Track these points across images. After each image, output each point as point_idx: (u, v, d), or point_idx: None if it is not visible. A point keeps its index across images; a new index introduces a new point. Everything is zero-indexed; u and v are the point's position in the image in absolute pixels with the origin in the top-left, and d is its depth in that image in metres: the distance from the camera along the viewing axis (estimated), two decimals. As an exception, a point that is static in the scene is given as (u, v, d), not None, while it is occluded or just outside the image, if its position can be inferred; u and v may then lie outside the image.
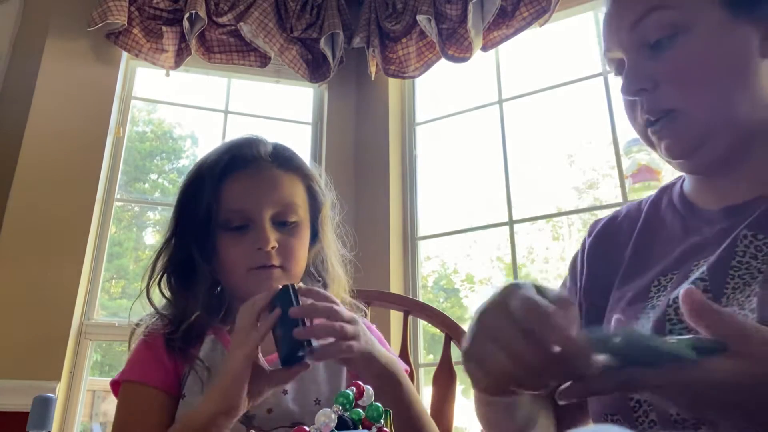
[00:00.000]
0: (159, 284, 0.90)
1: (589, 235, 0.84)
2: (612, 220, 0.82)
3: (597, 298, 0.76)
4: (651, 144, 0.71)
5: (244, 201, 0.86)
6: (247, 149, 0.90)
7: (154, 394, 0.83)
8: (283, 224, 0.88)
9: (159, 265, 0.90)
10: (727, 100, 0.65)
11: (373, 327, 0.96)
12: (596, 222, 0.84)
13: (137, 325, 0.90)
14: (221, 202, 0.86)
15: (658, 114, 0.68)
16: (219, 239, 0.86)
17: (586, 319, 0.76)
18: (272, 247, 0.85)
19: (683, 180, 0.77)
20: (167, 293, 0.90)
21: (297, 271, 0.90)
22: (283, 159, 0.92)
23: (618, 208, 0.85)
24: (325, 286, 0.94)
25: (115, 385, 0.87)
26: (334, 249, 0.97)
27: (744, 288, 0.61)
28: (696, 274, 0.64)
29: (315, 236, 0.94)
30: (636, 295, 0.69)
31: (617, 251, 0.77)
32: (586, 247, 0.82)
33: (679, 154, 0.68)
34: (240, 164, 0.88)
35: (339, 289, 0.95)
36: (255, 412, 0.80)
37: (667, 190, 0.79)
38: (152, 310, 0.90)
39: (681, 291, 0.48)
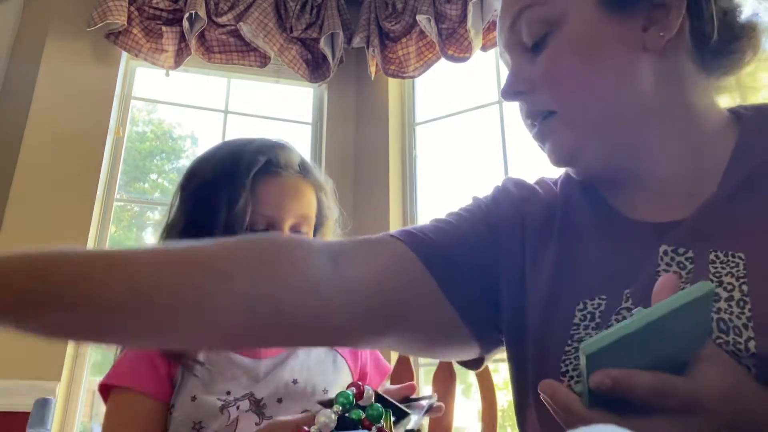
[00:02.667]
0: None
1: (494, 203, 0.70)
2: (528, 191, 0.71)
3: (513, 293, 0.65)
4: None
5: (272, 207, 0.88)
6: (281, 155, 0.91)
7: (146, 402, 0.82)
8: (296, 233, 0.91)
9: None
10: (603, 101, 0.59)
11: None
12: (505, 186, 0.72)
13: None
14: (253, 202, 0.87)
15: (536, 116, 0.63)
16: None
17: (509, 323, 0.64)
18: None
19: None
20: None
21: None
22: (307, 171, 0.95)
23: (523, 180, 0.74)
24: None
25: (104, 388, 0.85)
26: None
27: None
28: (624, 305, 0.56)
29: None
30: (561, 319, 0.58)
31: (536, 242, 0.65)
32: (491, 218, 0.68)
33: (557, 159, 0.63)
34: (272, 169, 0.90)
35: None
36: (266, 401, 0.82)
37: (573, 182, 0.68)
38: None
39: None
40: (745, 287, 0.50)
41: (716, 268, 0.53)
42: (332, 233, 1.00)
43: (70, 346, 1.93)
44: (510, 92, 0.64)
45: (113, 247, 2.23)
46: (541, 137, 0.64)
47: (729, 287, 0.51)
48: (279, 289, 0.56)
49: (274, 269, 0.57)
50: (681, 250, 0.55)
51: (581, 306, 0.57)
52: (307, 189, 0.93)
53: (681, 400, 0.42)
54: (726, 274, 0.52)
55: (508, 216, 0.67)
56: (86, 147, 2.14)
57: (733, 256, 0.52)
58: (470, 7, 2.12)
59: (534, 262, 0.63)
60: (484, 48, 2.21)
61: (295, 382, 0.85)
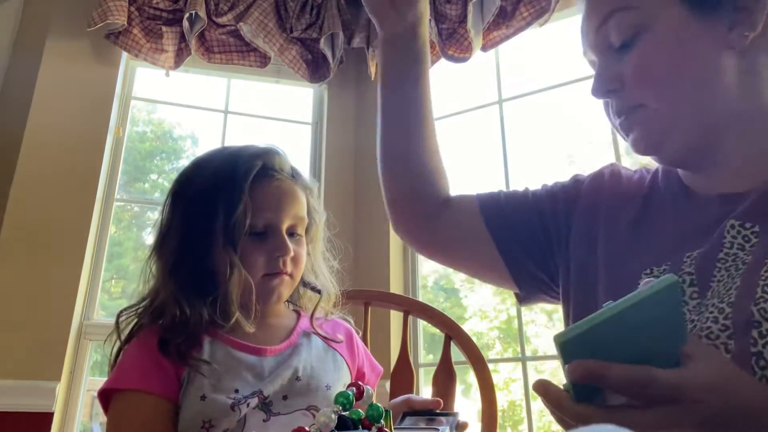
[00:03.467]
0: (164, 280, 0.89)
1: (595, 180, 0.84)
2: (619, 176, 0.83)
3: (583, 252, 0.76)
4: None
5: (270, 209, 0.90)
6: (275, 159, 0.94)
7: (158, 403, 0.80)
8: (291, 235, 0.93)
9: (168, 261, 0.89)
10: (690, 94, 0.66)
11: (358, 338, 1.02)
12: (602, 171, 0.86)
13: (125, 313, 0.89)
14: (251, 206, 0.89)
15: (626, 111, 0.70)
16: (243, 243, 0.88)
17: (577, 276, 0.76)
18: (290, 256, 0.90)
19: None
20: (172, 291, 0.88)
21: (298, 280, 0.96)
22: (297, 174, 0.97)
23: (619, 167, 0.86)
24: (320, 293, 0.99)
25: (106, 394, 0.83)
26: (322, 261, 1.02)
27: (728, 280, 0.60)
28: (685, 269, 0.64)
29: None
30: (626, 283, 0.66)
31: (614, 213, 0.77)
32: (580, 198, 0.83)
33: (643, 148, 0.70)
34: (269, 173, 0.92)
35: (327, 302, 0.99)
36: (272, 399, 0.83)
37: (663, 170, 0.79)
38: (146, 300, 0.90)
39: None
40: None
41: None
42: (321, 234, 1.02)
43: (70, 346, 1.93)
44: (601, 90, 0.70)
45: (113, 247, 2.23)
46: (628, 128, 0.70)
47: None
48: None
49: None
50: (748, 225, 0.62)
51: (648, 271, 0.66)
52: (299, 192, 0.95)
53: (661, 391, 0.43)
54: None
55: (590, 190, 0.82)
56: (86, 147, 2.14)
57: None
58: (470, 7, 2.12)
59: (610, 228, 0.74)
60: (484, 48, 2.21)
61: (298, 379, 0.86)
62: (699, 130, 0.67)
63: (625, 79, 0.68)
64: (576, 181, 0.86)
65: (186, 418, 0.80)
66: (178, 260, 0.89)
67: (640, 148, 0.70)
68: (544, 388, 0.48)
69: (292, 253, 0.90)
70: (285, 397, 0.84)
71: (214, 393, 0.80)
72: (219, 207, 0.87)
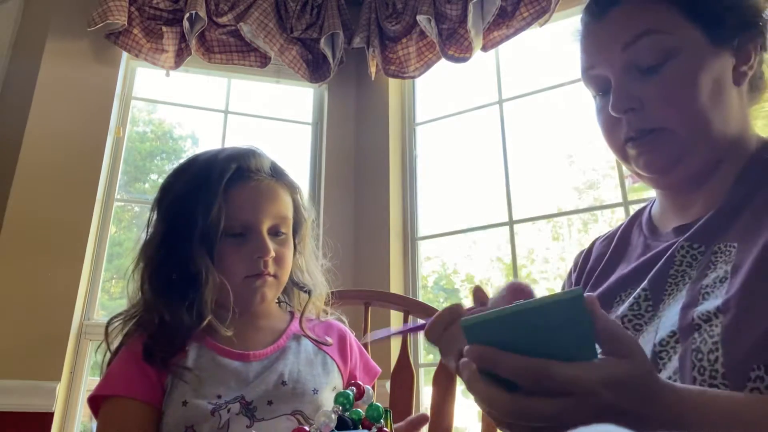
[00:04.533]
0: (145, 287, 0.90)
1: (575, 268, 0.90)
2: (591, 247, 0.91)
3: None
4: (626, 159, 0.76)
5: (247, 210, 0.90)
6: (252, 161, 0.94)
7: (141, 408, 0.82)
8: (276, 235, 0.92)
9: (150, 266, 0.90)
10: (706, 121, 0.70)
11: (353, 338, 1.01)
12: (579, 255, 0.92)
13: (114, 321, 0.90)
14: (226, 210, 0.89)
15: (642, 132, 0.72)
16: (221, 245, 0.89)
17: None
18: (271, 257, 0.89)
19: (653, 204, 0.84)
20: (151, 297, 0.89)
21: (285, 280, 0.96)
22: (279, 174, 0.97)
23: (609, 209, 0.96)
24: (309, 293, 0.99)
25: (95, 401, 0.85)
26: (313, 260, 1.02)
27: (676, 294, 0.67)
28: (641, 286, 0.71)
29: (295, 248, 0.99)
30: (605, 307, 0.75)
31: (592, 271, 0.85)
32: (572, 283, 0.89)
33: (658, 169, 0.73)
34: (245, 175, 0.92)
35: (318, 301, 0.99)
36: (257, 404, 0.82)
37: (639, 213, 0.86)
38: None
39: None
40: (729, 267, 0.62)
41: (716, 256, 0.65)
42: (310, 233, 1.02)
43: (70, 346, 1.93)
44: (622, 108, 0.72)
45: (113, 247, 2.23)
46: (641, 149, 0.73)
47: (719, 269, 0.64)
48: None
49: None
50: (696, 245, 0.69)
51: (617, 299, 0.74)
52: (281, 191, 0.95)
53: (557, 382, 0.45)
54: (722, 261, 0.64)
55: (583, 258, 0.89)
56: (86, 147, 2.14)
57: (730, 246, 0.65)
58: (470, 7, 2.12)
59: (598, 275, 0.82)
60: (484, 48, 2.21)
61: (284, 383, 0.86)
62: (710, 155, 0.71)
63: (646, 101, 0.71)
64: (567, 276, 0.93)
65: (169, 423, 0.81)
66: (159, 266, 0.90)
67: (655, 168, 0.73)
68: (468, 360, 0.50)
69: (272, 254, 0.89)
70: (270, 402, 0.83)
71: (195, 398, 0.81)
72: (196, 212, 0.88)
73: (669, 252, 0.71)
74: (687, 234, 0.71)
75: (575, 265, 0.91)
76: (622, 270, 0.77)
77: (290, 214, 0.95)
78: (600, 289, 0.78)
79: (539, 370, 0.45)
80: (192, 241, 0.87)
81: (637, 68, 0.71)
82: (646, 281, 0.71)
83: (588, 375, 0.45)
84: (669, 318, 0.65)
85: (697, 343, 0.59)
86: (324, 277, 1.02)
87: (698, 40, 0.70)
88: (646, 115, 0.71)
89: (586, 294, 0.47)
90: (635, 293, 0.71)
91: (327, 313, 1.00)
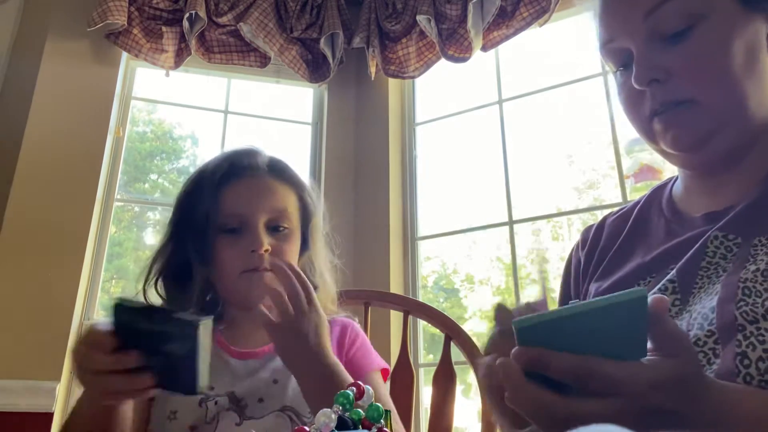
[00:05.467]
0: (155, 286, 0.93)
1: (583, 245, 0.83)
2: (601, 223, 0.83)
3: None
4: (651, 137, 0.69)
5: (240, 205, 0.91)
6: (245, 158, 0.95)
7: None
8: (275, 230, 0.92)
9: (155, 267, 0.93)
10: (740, 94, 0.63)
11: (359, 332, 1.00)
12: (587, 229, 0.84)
13: None
14: (219, 207, 0.91)
15: (670, 105, 0.65)
16: (216, 242, 0.90)
17: None
18: (265, 250, 0.89)
19: (674, 183, 0.77)
20: (163, 295, 0.93)
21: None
22: (277, 169, 0.97)
23: (612, 209, 0.85)
24: (314, 288, 0.98)
25: None
26: (323, 257, 1.01)
27: (709, 287, 0.61)
28: (668, 277, 0.65)
29: (305, 245, 0.98)
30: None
31: (605, 250, 0.78)
32: (581, 260, 0.81)
33: (687, 145, 0.66)
34: (238, 172, 0.93)
35: (327, 298, 0.98)
36: (247, 401, 0.84)
37: (658, 191, 0.79)
38: None
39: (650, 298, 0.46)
40: None
41: (756, 250, 0.60)
42: (320, 229, 1.02)
43: (71, 346, 1.93)
44: (645, 80, 0.65)
45: (113, 247, 2.23)
46: (668, 123, 0.66)
47: (759, 261, 0.58)
48: None
49: None
50: (731, 236, 0.63)
51: (637, 286, 0.67)
52: (278, 186, 0.95)
53: (603, 382, 0.44)
54: (763, 254, 0.59)
55: (594, 234, 0.82)
56: (86, 147, 2.14)
57: None
58: (470, 7, 2.12)
59: (613, 255, 0.75)
60: (484, 48, 2.21)
61: (275, 381, 0.86)
62: (744, 132, 0.65)
63: (674, 71, 0.64)
64: (572, 253, 0.85)
65: (156, 406, 0.84)
66: (166, 264, 0.93)
67: (684, 144, 0.66)
68: (508, 371, 0.47)
69: (266, 247, 0.89)
70: (261, 400, 0.84)
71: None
72: (192, 212, 0.91)
73: (700, 242, 0.64)
74: (720, 223, 0.64)
75: (584, 241, 0.83)
76: (643, 256, 0.71)
77: (291, 208, 0.95)
78: (618, 275, 0.72)
79: (586, 369, 0.44)
80: (188, 241, 0.90)
81: (660, 37, 0.65)
82: (674, 272, 0.64)
83: (636, 376, 0.44)
84: (702, 314, 0.59)
85: (742, 347, 0.54)
86: (334, 277, 1.01)
87: (727, 4, 0.64)
88: (672, 86, 0.64)
89: (650, 295, 0.45)
90: (660, 284, 0.65)
91: (334, 312, 0.99)
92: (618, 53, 0.70)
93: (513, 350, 0.46)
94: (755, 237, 0.61)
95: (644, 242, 0.72)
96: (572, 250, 0.85)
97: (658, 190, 0.79)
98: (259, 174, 0.94)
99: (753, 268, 0.58)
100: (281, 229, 0.93)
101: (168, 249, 0.93)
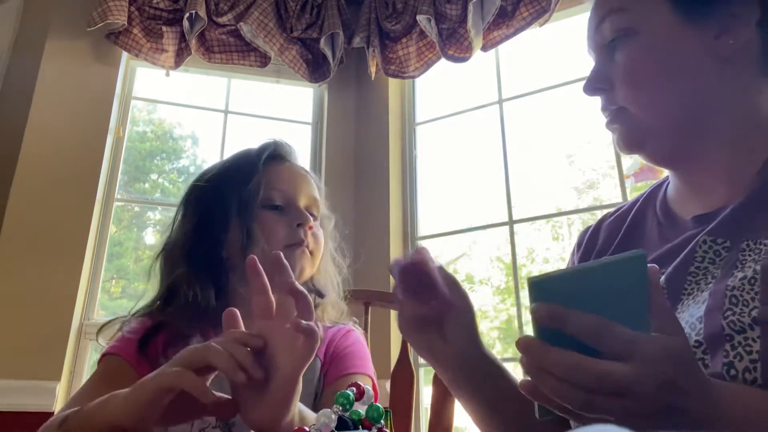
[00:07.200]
0: (178, 265, 0.89)
1: (579, 247, 0.85)
2: (598, 225, 0.84)
3: None
4: None
5: (287, 184, 0.93)
6: (286, 146, 0.99)
7: (128, 368, 0.84)
8: (311, 216, 0.94)
9: (176, 255, 0.90)
10: (671, 101, 0.67)
11: (357, 336, 0.97)
12: (584, 232, 0.86)
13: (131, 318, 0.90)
14: (266, 181, 0.92)
15: (612, 112, 0.72)
16: (260, 217, 0.89)
17: None
18: (310, 226, 0.91)
19: (668, 183, 0.78)
20: (184, 274, 0.88)
21: (317, 262, 0.95)
22: (307, 170, 1.02)
23: (610, 210, 0.87)
24: (320, 294, 0.97)
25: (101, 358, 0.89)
26: (332, 266, 1.01)
27: (697, 294, 0.62)
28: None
29: None
30: None
31: (602, 252, 0.79)
32: (575, 262, 0.83)
33: (624, 147, 0.72)
34: (282, 156, 0.97)
35: (330, 305, 0.97)
36: (235, 418, 0.80)
37: (655, 191, 0.80)
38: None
39: None
40: (758, 267, 0.57)
41: (744, 255, 0.60)
42: (330, 235, 1.02)
43: (70, 346, 1.93)
44: (589, 87, 0.73)
45: (113, 247, 2.23)
46: (612, 128, 0.73)
47: (747, 269, 0.58)
48: None
49: None
50: (719, 240, 0.63)
51: None
52: (312, 179, 0.99)
53: (620, 342, 0.44)
54: (751, 260, 0.59)
55: (590, 236, 0.83)
56: (86, 147, 2.14)
57: (761, 244, 0.60)
58: (470, 7, 2.12)
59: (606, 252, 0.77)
60: (484, 48, 2.21)
61: None
62: (677, 135, 0.68)
63: (614, 81, 0.70)
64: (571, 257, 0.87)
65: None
66: (193, 245, 0.89)
67: (622, 148, 0.73)
68: (527, 342, 0.47)
69: (312, 223, 0.91)
70: None
71: None
72: (233, 185, 0.90)
73: (689, 247, 0.65)
74: (709, 227, 0.65)
75: (579, 243, 0.85)
76: None
77: (320, 202, 0.98)
78: None
79: (603, 328, 0.45)
80: (228, 215, 0.88)
81: (606, 49, 0.71)
82: (663, 278, 0.65)
83: (651, 341, 0.45)
84: (690, 323, 0.59)
85: (729, 357, 0.54)
86: (339, 288, 1.00)
87: (664, 17, 0.67)
88: (613, 95, 0.71)
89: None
90: None
91: (338, 322, 0.97)
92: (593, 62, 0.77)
93: (531, 306, 0.47)
94: (743, 240, 0.61)
95: (639, 246, 0.74)
96: (571, 252, 0.87)
97: (655, 190, 0.80)
98: (298, 163, 0.99)
99: (740, 275, 0.58)
100: (315, 217, 0.95)
101: (198, 228, 0.90)
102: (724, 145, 0.67)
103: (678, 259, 0.65)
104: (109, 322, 0.91)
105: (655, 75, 0.67)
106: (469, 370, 0.70)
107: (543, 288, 0.47)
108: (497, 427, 0.72)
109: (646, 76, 0.67)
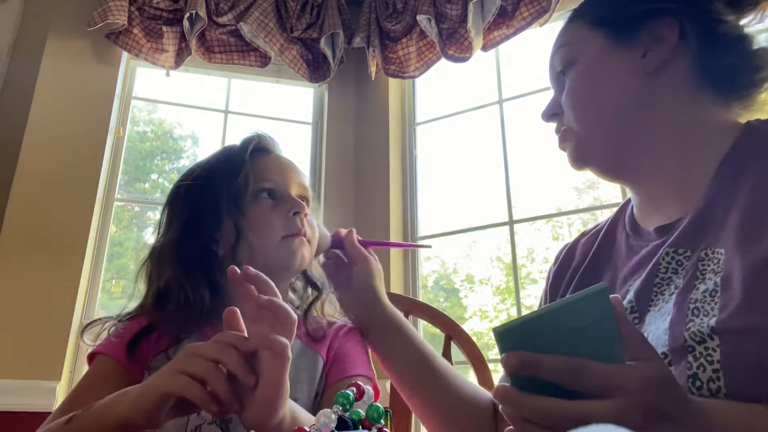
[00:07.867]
0: (167, 265, 0.88)
1: (555, 262, 0.89)
2: (575, 242, 0.88)
3: None
4: None
5: (277, 174, 0.92)
6: (268, 139, 0.98)
7: (119, 368, 0.83)
8: (303, 200, 0.93)
9: (174, 246, 0.88)
10: (606, 119, 0.73)
11: (357, 336, 0.96)
12: (562, 248, 0.90)
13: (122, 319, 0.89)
14: (255, 172, 0.90)
15: (561, 133, 0.79)
16: (253, 209, 0.88)
17: None
18: (305, 213, 0.90)
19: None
20: (174, 274, 0.86)
21: (314, 249, 0.94)
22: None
23: (586, 228, 0.91)
24: (319, 290, 0.97)
25: (90, 357, 0.87)
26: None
27: (663, 305, 0.63)
28: (627, 297, 0.68)
29: None
30: None
31: (577, 269, 0.82)
32: (551, 276, 0.87)
33: (572, 162, 0.79)
34: (266, 147, 0.96)
35: (328, 301, 0.97)
36: (233, 416, 0.81)
37: (625, 206, 0.84)
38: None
39: None
40: (718, 279, 0.59)
41: (704, 264, 0.62)
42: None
43: (70, 346, 1.93)
44: (545, 114, 0.82)
45: (113, 247, 2.23)
46: (562, 146, 0.80)
47: (707, 280, 0.60)
48: None
49: None
50: (681, 250, 0.66)
51: None
52: (299, 168, 0.98)
53: (596, 380, 0.44)
54: (710, 271, 0.61)
55: (566, 254, 0.88)
56: (86, 147, 2.14)
57: (717, 252, 0.62)
58: (471, 7, 2.12)
59: (582, 273, 0.81)
60: (485, 48, 2.21)
61: None
62: (617, 149, 0.74)
63: (564, 106, 0.78)
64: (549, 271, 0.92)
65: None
66: (185, 245, 0.88)
67: (572, 164, 0.79)
68: (503, 391, 0.47)
69: (307, 210, 0.90)
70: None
71: None
72: (221, 181, 0.88)
73: (654, 260, 0.67)
74: (671, 238, 0.67)
75: (556, 259, 0.89)
76: (611, 275, 0.75)
77: (309, 190, 0.96)
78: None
79: (576, 368, 0.44)
80: (221, 211, 0.86)
81: (559, 79, 0.79)
82: (632, 293, 0.68)
83: (627, 373, 0.44)
84: (656, 335, 0.61)
85: (693, 368, 0.55)
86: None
87: (598, 44, 0.75)
88: (564, 117, 0.78)
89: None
90: (625, 299, 0.68)
91: (334, 318, 0.96)
92: None
93: (501, 357, 0.46)
94: (701, 249, 0.64)
95: (610, 261, 0.78)
96: (549, 270, 0.91)
97: (624, 205, 0.84)
98: (283, 155, 0.98)
99: (702, 288, 0.60)
100: (308, 203, 0.94)
101: (187, 225, 0.89)
102: (668, 156, 0.71)
103: (644, 274, 0.68)
104: (93, 322, 0.91)
105: (591, 95, 0.74)
106: (378, 329, 0.93)
107: (510, 336, 0.46)
108: (407, 390, 0.92)
109: (585, 97, 0.75)
